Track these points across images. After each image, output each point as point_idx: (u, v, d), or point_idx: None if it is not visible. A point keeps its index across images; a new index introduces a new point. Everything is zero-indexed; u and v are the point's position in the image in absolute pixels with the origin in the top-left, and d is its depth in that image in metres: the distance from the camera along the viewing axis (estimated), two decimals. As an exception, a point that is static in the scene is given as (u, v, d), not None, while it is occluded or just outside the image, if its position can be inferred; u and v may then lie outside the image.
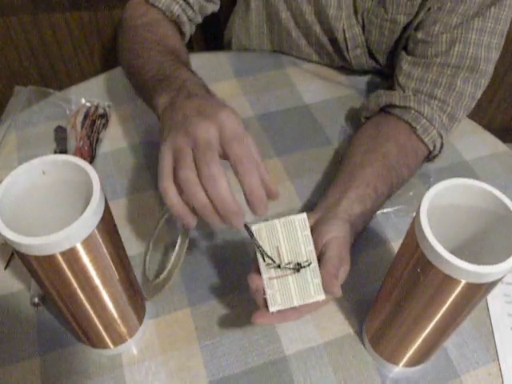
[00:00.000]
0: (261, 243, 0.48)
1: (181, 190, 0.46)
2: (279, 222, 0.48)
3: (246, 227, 0.47)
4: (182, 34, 0.78)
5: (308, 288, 0.47)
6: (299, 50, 0.89)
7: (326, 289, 0.48)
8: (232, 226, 0.45)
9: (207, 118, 0.47)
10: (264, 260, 0.48)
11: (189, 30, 0.79)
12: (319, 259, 0.50)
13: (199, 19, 0.80)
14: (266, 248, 0.48)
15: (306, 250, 0.48)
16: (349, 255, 0.54)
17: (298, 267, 0.48)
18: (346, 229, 0.55)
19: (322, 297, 0.48)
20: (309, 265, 0.48)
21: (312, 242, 0.49)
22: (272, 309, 0.47)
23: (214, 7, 0.81)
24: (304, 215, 0.49)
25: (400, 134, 0.68)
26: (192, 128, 0.46)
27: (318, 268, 0.48)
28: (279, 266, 0.47)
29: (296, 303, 0.47)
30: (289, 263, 0.48)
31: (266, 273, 0.48)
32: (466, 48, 0.68)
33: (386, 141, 0.67)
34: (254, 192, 0.45)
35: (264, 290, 0.48)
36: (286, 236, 0.48)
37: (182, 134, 0.47)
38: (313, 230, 0.55)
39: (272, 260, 0.47)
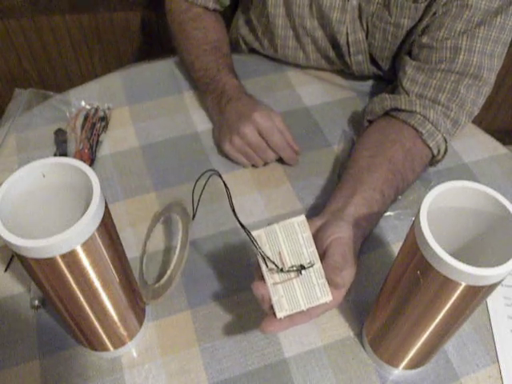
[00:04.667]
0: (262, 249, 0.47)
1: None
2: (278, 226, 0.48)
3: (247, 232, 0.47)
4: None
5: (314, 290, 0.47)
6: (296, 58, 0.89)
7: (329, 280, 0.47)
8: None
9: (246, 121, 0.71)
10: (267, 266, 0.47)
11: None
12: (323, 259, 0.50)
13: (227, 2, 0.91)
14: (268, 253, 0.47)
15: (308, 252, 0.48)
16: (353, 258, 0.53)
17: (300, 269, 0.47)
18: (351, 231, 0.55)
19: (328, 298, 0.47)
20: (311, 266, 0.47)
21: (313, 244, 0.48)
22: (279, 315, 0.46)
23: None
24: (303, 217, 0.48)
25: (405, 138, 0.68)
26: (241, 131, 0.71)
27: (322, 269, 0.48)
28: (282, 270, 0.47)
29: (303, 307, 0.47)
30: (292, 266, 0.47)
31: (270, 278, 0.47)
32: (471, 56, 0.68)
33: (391, 145, 0.67)
34: (291, 159, 0.75)
35: (270, 297, 0.47)
36: (286, 239, 0.48)
37: (237, 137, 0.72)
38: (318, 233, 0.55)
39: (274, 264, 0.47)
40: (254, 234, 0.47)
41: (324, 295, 0.47)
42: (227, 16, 1.02)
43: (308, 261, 0.47)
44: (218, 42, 0.85)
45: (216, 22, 0.89)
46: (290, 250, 0.48)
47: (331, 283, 0.47)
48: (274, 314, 0.47)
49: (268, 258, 0.47)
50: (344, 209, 0.59)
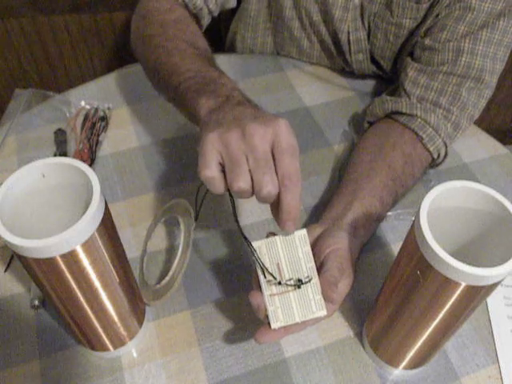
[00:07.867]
0: (261, 260, 0.47)
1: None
2: (279, 239, 0.48)
3: (248, 243, 0.47)
4: (199, 26, 0.76)
5: (309, 304, 0.47)
6: (300, 50, 0.89)
7: (325, 296, 0.48)
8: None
9: (264, 124, 0.45)
10: (265, 277, 0.47)
11: (206, 23, 0.79)
12: (320, 270, 0.50)
13: (216, 13, 0.80)
14: (267, 264, 0.48)
15: (307, 266, 0.48)
16: (351, 268, 0.53)
17: (298, 283, 0.47)
18: (349, 241, 0.55)
19: (323, 312, 0.47)
20: (309, 281, 0.48)
21: (312, 258, 0.48)
22: (274, 326, 0.47)
23: (233, 2, 0.82)
24: (304, 231, 0.49)
25: (406, 142, 0.68)
26: (249, 131, 0.44)
27: (319, 284, 0.48)
28: (280, 283, 0.47)
29: (298, 319, 0.47)
30: (289, 279, 0.47)
31: (267, 290, 0.47)
32: (473, 59, 0.68)
33: (391, 150, 0.67)
34: (292, 212, 0.45)
35: (266, 307, 0.47)
36: (286, 252, 0.48)
37: (236, 135, 0.45)
38: (317, 241, 0.55)
39: (273, 276, 0.47)
40: (255, 244, 0.48)
41: (319, 310, 0.47)
42: (226, 18, 1.02)
43: (306, 275, 0.48)
44: (207, 52, 0.68)
45: (199, 30, 0.73)
46: (289, 263, 0.48)
47: (327, 298, 0.48)
48: (269, 323, 0.47)
49: (267, 270, 0.47)
50: (343, 216, 0.59)
